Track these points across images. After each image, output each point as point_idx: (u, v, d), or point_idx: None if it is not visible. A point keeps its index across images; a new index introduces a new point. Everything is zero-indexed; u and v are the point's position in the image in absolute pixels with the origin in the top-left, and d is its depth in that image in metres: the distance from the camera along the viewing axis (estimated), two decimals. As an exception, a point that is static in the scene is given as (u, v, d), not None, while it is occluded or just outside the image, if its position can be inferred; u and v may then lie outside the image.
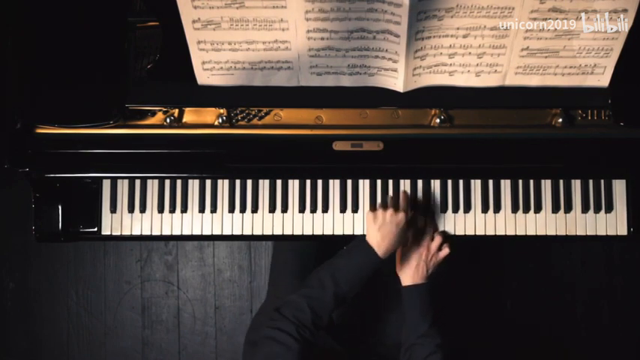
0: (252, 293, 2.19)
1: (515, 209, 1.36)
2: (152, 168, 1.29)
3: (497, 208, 1.36)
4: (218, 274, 2.20)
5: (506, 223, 1.36)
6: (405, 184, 1.36)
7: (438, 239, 1.30)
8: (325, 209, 1.36)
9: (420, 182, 1.36)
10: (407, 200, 1.32)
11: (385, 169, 1.30)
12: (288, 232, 1.37)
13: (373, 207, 1.34)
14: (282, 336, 1.12)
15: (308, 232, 1.36)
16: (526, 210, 1.35)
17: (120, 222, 1.37)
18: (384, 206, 1.27)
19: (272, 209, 1.37)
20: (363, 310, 1.49)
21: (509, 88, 1.22)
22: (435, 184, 1.36)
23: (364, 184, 1.37)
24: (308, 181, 1.37)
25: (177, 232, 1.38)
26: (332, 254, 1.31)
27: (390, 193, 1.35)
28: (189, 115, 1.26)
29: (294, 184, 1.37)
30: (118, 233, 1.37)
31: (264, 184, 1.37)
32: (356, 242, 1.26)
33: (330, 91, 1.22)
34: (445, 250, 1.30)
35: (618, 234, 1.35)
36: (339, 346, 1.32)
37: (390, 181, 1.36)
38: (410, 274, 1.28)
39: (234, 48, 1.16)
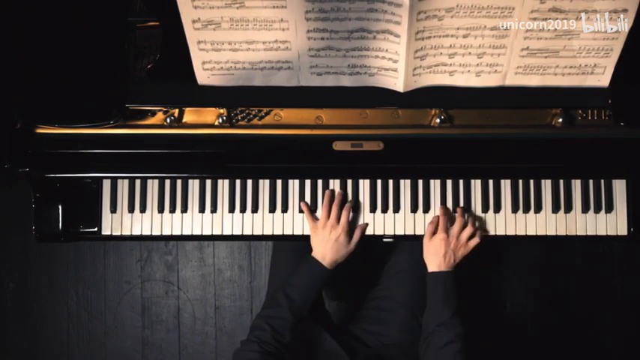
0: (252, 293, 2.19)
1: (515, 209, 1.36)
2: (152, 168, 1.29)
3: (498, 208, 1.36)
4: (218, 274, 2.20)
5: (506, 223, 1.36)
6: (405, 184, 1.36)
7: (469, 229, 1.30)
8: (325, 209, 1.36)
9: (420, 182, 1.36)
10: (347, 214, 1.32)
11: (385, 169, 1.30)
12: (288, 232, 1.37)
13: (308, 209, 1.35)
14: (244, 354, 1.21)
15: (308, 232, 1.36)
16: (526, 210, 1.35)
17: (120, 222, 1.37)
18: (325, 218, 1.31)
19: (272, 209, 1.37)
20: (362, 310, 1.49)
21: (509, 88, 1.22)
22: (435, 184, 1.36)
23: (364, 184, 1.37)
24: (308, 181, 1.37)
25: (177, 232, 1.38)
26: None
27: (336, 192, 1.35)
28: (190, 115, 1.26)
29: (294, 184, 1.37)
30: (118, 233, 1.37)
31: (264, 184, 1.37)
32: (304, 258, 1.32)
33: (330, 91, 1.22)
34: (474, 240, 1.30)
35: (618, 234, 1.35)
36: (339, 347, 1.32)
37: (390, 181, 1.36)
38: (437, 262, 1.28)
39: (234, 48, 1.16)
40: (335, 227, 1.31)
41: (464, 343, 1.21)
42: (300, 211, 1.36)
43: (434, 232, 1.31)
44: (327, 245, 1.30)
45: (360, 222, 1.36)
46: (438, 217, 1.33)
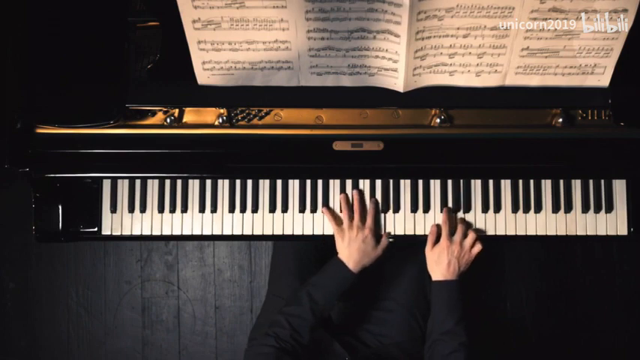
0: (252, 293, 2.19)
1: (515, 209, 1.36)
2: (152, 168, 1.29)
3: (498, 208, 1.36)
4: (218, 274, 2.20)
5: (506, 223, 1.36)
6: (405, 184, 1.36)
7: (471, 236, 1.29)
8: (325, 209, 1.36)
9: (420, 182, 1.36)
10: (372, 214, 1.31)
11: (385, 169, 1.30)
12: (288, 232, 1.37)
13: (330, 213, 1.33)
14: (261, 347, 1.20)
15: (308, 232, 1.36)
16: (526, 210, 1.35)
17: (120, 222, 1.37)
18: (349, 220, 1.29)
19: (272, 209, 1.37)
20: (363, 311, 1.49)
21: (510, 88, 1.22)
22: (435, 184, 1.36)
23: (364, 184, 1.37)
24: (308, 181, 1.37)
25: (177, 232, 1.37)
26: (332, 254, 1.31)
27: (354, 192, 1.34)
28: (190, 115, 1.26)
29: (294, 184, 1.37)
30: (118, 233, 1.37)
31: (264, 184, 1.37)
32: (331, 260, 1.30)
33: (330, 91, 1.22)
34: (477, 247, 1.29)
35: (618, 234, 1.35)
36: (339, 346, 1.32)
37: (390, 181, 1.36)
38: (441, 270, 1.28)
39: (234, 48, 1.16)
40: (361, 228, 1.28)
41: (468, 352, 1.19)
42: (300, 211, 1.36)
43: (435, 242, 1.31)
44: (353, 247, 1.27)
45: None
46: (437, 226, 1.32)
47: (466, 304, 1.27)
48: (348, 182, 1.36)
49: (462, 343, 1.20)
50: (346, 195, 1.34)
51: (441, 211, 1.35)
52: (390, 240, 1.34)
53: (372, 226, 1.29)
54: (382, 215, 1.36)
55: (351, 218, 1.31)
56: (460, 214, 1.35)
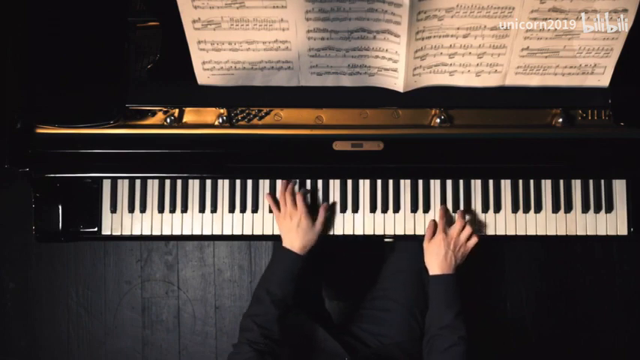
0: (252, 293, 2.19)
1: (515, 209, 1.36)
2: (152, 168, 1.29)
3: (498, 208, 1.36)
4: (218, 274, 2.20)
5: (506, 223, 1.36)
6: (405, 184, 1.36)
7: (467, 229, 1.30)
8: (325, 209, 1.36)
9: (420, 182, 1.36)
10: (301, 198, 1.33)
11: (385, 169, 1.30)
12: (288, 232, 1.37)
13: (273, 201, 1.36)
14: (239, 356, 1.21)
15: (308, 232, 1.36)
16: (526, 210, 1.35)
17: (120, 222, 1.37)
18: (284, 207, 1.32)
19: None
20: (362, 311, 1.49)
21: (510, 88, 1.22)
22: (435, 184, 1.36)
23: (364, 184, 1.37)
24: (308, 181, 1.37)
25: (177, 232, 1.38)
26: (332, 254, 1.31)
27: (277, 189, 1.36)
28: (190, 115, 1.26)
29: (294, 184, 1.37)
30: (118, 233, 1.37)
31: (264, 184, 1.37)
32: (275, 251, 1.33)
33: (330, 91, 1.22)
34: (473, 240, 1.30)
35: (618, 234, 1.35)
36: (339, 346, 1.32)
37: (390, 181, 1.36)
38: (438, 264, 1.28)
39: (234, 48, 1.16)
40: (293, 213, 1.31)
41: (467, 345, 1.20)
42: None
43: (432, 236, 1.31)
44: (291, 232, 1.30)
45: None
46: (434, 221, 1.33)
47: (463, 298, 1.27)
48: (349, 182, 1.36)
49: (461, 337, 1.21)
50: (285, 182, 1.35)
51: (441, 211, 1.35)
52: (389, 240, 1.34)
53: (302, 210, 1.31)
54: (382, 215, 1.36)
55: (285, 205, 1.33)
56: (459, 211, 1.35)
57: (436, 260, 1.29)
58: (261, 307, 1.26)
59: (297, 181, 1.36)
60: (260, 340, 1.22)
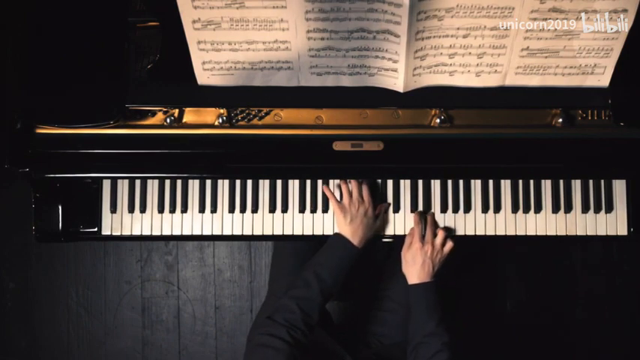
0: (252, 293, 2.19)
1: (515, 209, 1.36)
2: (152, 168, 1.29)
3: (498, 208, 1.36)
4: (218, 274, 2.20)
5: (506, 223, 1.36)
6: (405, 184, 1.36)
7: (441, 234, 1.30)
8: (325, 209, 1.37)
9: (420, 182, 1.36)
10: (367, 188, 1.33)
11: (385, 169, 1.30)
12: (288, 232, 1.37)
13: (330, 191, 1.35)
14: (273, 340, 1.14)
15: (308, 232, 1.36)
16: (526, 210, 1.36)
17: (120, 222, 1.37)
18: (349, 196, 1.31)
19: (272, 209, 1.37)
20: (362, 310, 1.49)
21: (510, 88, 1.22)
22: (435, 184, 1.36)
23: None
24: (308, 181, 1.37)
25: (177, 232, 1.38)
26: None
27: (337, 181, 1.36)
28: (190, 115, 1.26)
29: (294, 184, 1.37)
30: (118, 233, 1.37)
31: (264, 184, 1.37)
32: (332, 237, 1.30)
33: (330, 91, 1.22)
34: (449, 245, 1.30)
35: (618, 234, 1.35)
36: (339, 347, 1.32)
37: (390, 181, 1.36)
38: (416, 273, 1.28)
39: (234, 48, 1.16)
40: (361, 202, 1.30)
41: (451, 351, 1.20)
42: (300, 211, 1.36)
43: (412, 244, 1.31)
44: (355, 221, 1.29)
45: None
46: (413, 228, 1.34)
47: (444, 304, 1.27)
48: (348, 182, 1.36)
49: (444, 343, 1.20)
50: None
51: (441, 212, 1.35)
52: (389, 240, 1.34)
53: (370, 200, 1.31)
54: (382, 215, 1.36)
55: (349, 195, 1.32)
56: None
57: (413, 269, 1.29)
58: (309, 291, 1.22)
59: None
60: (300, 325, 1.17)
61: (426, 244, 1.29)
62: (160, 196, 1.37)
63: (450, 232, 1.35)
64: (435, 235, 1.31)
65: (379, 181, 1.36)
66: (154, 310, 2.20)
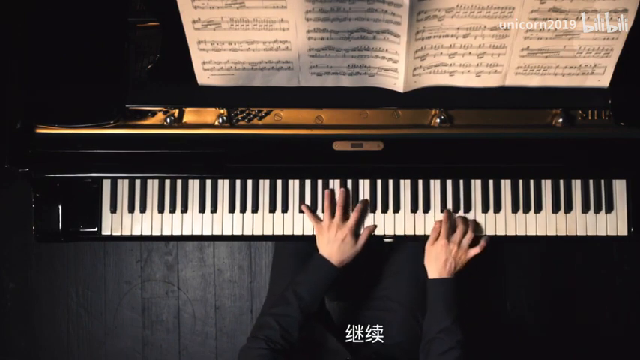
0: (252, 293, 2.19)
1: (515, 209, 1.36)
2: (152, 168, 1.29)
3: (498, 208, 1.36)
4: (218, 274, 2.20)
5: (506, 223, 1.36)
6: (405, 184, 1.36)
7: (469, 236, 1.29)
8: (325, 209, 1.37)
9: (420, 182, 1.36)
10: (358, 211, 1.31)
11: (385, 169, 1.30)
12: (288, 232, 1.37)
13: (310, 211, 1.34)
14: (253, 351, 1.21)
15: (308, 232, 1.36)
16: (526, 210, 1.35)
17: (120, 222, 1.37)
18: (330, 217, 1.31)
19: (272, 209, 1.37)
20: (363, 310, 1.49)
21: (510, 88, 1.22)
22: (435, 184, 1.36)
23: (364, 184, 1.36)
24: (308, 181, 1.37)
25: (177, 232, 1.37)
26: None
27: (337, 182, 1.35)
28: (190, 115, 1.26)
29: (294, 184, 1.37)
30: (118, 233, 1.37)
31: (264, 184, 1.37)
32: (313, 256, 1.31)
33: (330, 91, 1.22)
34: (475, 249, 1.29)
35: (618, 234, 1.35)
36: (340, 346, 1.32)
37: (390, 181, 1.36)
38: (437, 268, 1.28)
39: (234, 48, 1.16)
40: (341, 227, 1.30)
41: (464, 349, 1.20)
42: (301, 211, 1.36)
43: (436, 239, 1.31)
44: (333, 246, 1.29)
45: (369, 223, 1.35)
46: (440, 223, 1.32)
47: (463, 299, 1.28)
48: (349, 182, 1.36)
49: (458, 341, 1.20)
50: (332, 191, 1.34)
51: (441, 212, 1.35)
52: (389, 240, 1.33)
53: (352, 226, 1.30)
54: (382, 216, 1.36)
55: (332, 216, 1.31)
56: (460, 214, 1.35)
57: (436, 264, 1.28)
58: (288, 308, 1.25)
59: (349, 189, 1.35)
60: (279, 340, 1.21)
61: (452, 242, 1.28)
62: (160, 196, 1.37)
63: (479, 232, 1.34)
64: (463, 236, 1.30)
65: (379, 181, 1.36)
66: (153, 310, 2.20)
